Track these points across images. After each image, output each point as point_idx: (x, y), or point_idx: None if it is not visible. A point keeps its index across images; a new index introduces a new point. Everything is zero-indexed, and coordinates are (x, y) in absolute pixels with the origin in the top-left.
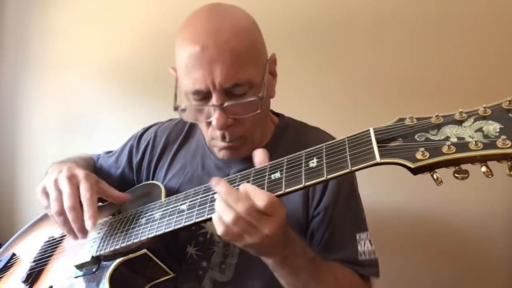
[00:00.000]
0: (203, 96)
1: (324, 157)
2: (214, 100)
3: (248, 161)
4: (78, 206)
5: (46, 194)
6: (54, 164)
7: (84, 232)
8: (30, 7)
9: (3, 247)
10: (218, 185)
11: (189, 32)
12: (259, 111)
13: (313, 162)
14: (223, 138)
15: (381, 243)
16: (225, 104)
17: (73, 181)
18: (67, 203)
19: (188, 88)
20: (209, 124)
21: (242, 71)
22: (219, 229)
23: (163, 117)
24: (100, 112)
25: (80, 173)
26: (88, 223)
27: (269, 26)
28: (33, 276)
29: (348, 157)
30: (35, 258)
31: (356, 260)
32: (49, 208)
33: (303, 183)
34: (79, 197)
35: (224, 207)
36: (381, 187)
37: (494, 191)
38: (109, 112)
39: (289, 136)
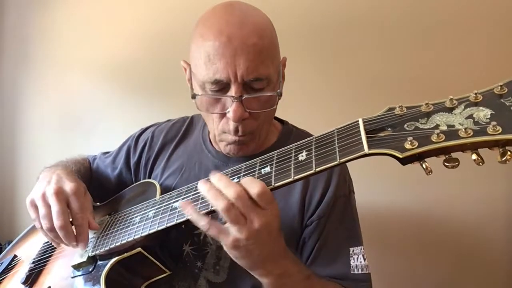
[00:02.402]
0: (221, 87)
1: (314, 150)
2: (233, 91)
3: (246, 160)
4: (69, 224)
5: (35, 207)
6: (45, 170)
7: (75, 246)
8: (30, 7)
9: (6, 249)
10: (211, 175)
11: (213, 23)
12: (275, 107)
13: (302, 155)
14: (236, 131)
15: (381, 243)
16: (244, 97)
17: (61, 196)
18: (57, 222)
19: (206, 78)
20: (222, 116)
21: (262, 66)
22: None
23: (162, 117)
24: (100, 112)
25: (68, 187)
26: (81, 245)
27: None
28: (32, 277)
29: (337, 149)
30: (34, 259)
31: (348, 274)
32: (37, 221)
33: (292, 177)
34: (69, 213)
35: (215, 194)
36: (380, 187)
37: (494, 191)
38: (109, 112)
39: (292, 143)
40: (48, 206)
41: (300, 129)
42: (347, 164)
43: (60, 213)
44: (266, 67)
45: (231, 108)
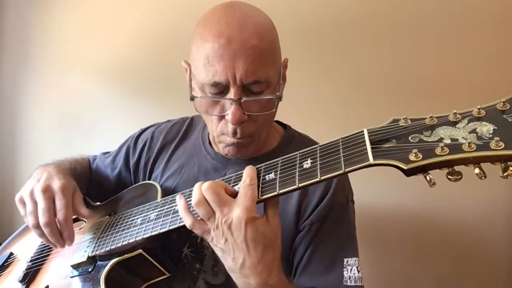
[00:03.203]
0: (221, 89)
1: (318, 158)
2: (232, 94)
3: (246, 163)
4: (53, 221)
5: (23, 204)
6: (38, 168)
7: (62, 246)
8: (30, 7)
9: (1, 246)
10: None
11: (212, 25)
12: (274, 110)
13: (307, 163)
14: (234, 134)
15: (381, 244)
16: (243, 99)
17: (47, 194)
18: (42, 219)
19: (206, 80)
20: (221, 118)
21: (262, 69)
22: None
23: (162, 118)
24: (100, 112)
25: (56, 185)
26: (67, 242)
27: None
28: (30, 275)
29: (342, 158)
30: (31, 257)
31: (340, 285)
32: (25, 218)
33: (297, 184)
34: (54, 210)
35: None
36: (380, 187)
37: (494, 191)
38: (109, 112)
39: (294, 148)
40: (34, 203)
41: (302, 135)
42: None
43: (45, 210)
44: (265, 69)
45: (230, 111)
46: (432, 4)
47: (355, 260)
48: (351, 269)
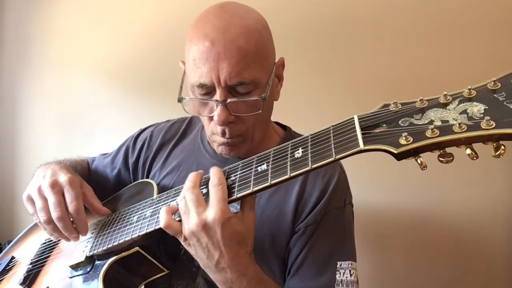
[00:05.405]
0: (208, 90)
1: (309, 147)
2: (217, 95)
3: None
4: (66, 215)
5: (31, 201)
6: (40, 167)
7: (76, 238)
8: (30, 7)
9: (3, 251)
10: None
11: (199, 27)
12: (260, 111)
13: (298, 153)
14: (223, 134)
15: (382, 243)
16: (228, 101)
17: (56, 188)
18: (54, 214)
19: (193, 81)
20: (211, 118)
21: (247, 70)
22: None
23: (162, 118)
24: (100, 112)
25: (63, 179)
26: (82, 233)
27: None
28: (30, 278)
29: (333, 146)
30: (32, 260)
31: None
32: (35, 215)
33: (289, 174)
34: (65, 203)
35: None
36: (381, 187)
37: (494, 191)
38: (109, 112)
39: None
40: (44, 199)
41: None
42: (347, 170)
43: (56, 204)
44: (251, 71)
45: (216, 112)
46: (428, 5)
47: (349, 264)
48: (343, 273)
